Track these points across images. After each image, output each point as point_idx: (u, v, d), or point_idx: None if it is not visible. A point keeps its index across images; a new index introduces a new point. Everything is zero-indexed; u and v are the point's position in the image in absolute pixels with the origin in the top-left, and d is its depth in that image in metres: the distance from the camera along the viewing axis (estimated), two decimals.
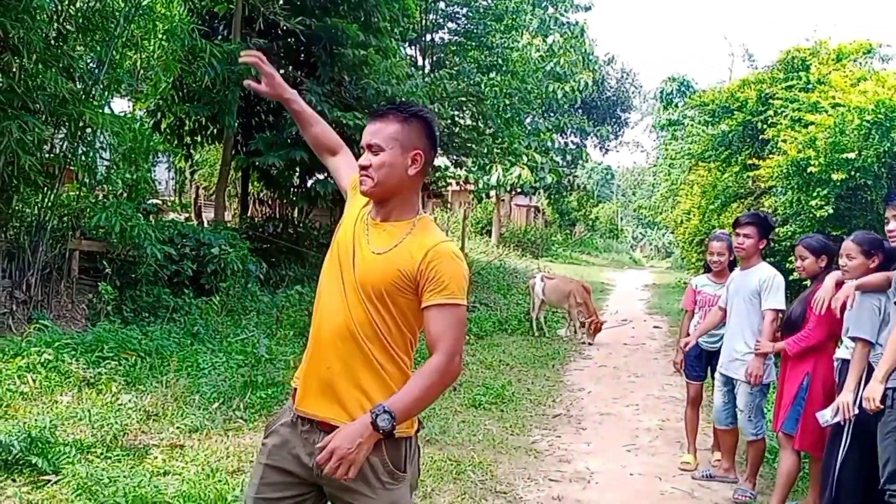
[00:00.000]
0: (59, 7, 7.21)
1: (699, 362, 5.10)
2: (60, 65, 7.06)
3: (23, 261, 7.08)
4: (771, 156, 7.57)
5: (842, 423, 3.53)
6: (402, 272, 1.99)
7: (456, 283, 2.00)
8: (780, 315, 4.44)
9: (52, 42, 7.17)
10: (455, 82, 12.77)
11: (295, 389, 2.11)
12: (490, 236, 27.93)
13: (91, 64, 7.79)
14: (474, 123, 15.05)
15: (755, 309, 4.45)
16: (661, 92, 27.13)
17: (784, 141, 7.08)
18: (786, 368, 4.25)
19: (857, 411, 3.46)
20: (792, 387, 4.14)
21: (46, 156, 7.43)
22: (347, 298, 2.03)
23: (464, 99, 13.78)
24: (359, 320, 2.01)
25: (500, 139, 15.64)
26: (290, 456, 2.05)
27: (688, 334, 5.16)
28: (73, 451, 4.11)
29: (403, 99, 10.16)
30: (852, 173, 6.28)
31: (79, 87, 7.26)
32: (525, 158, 19.58)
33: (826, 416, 3.60)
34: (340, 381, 2.01)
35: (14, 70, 6.74)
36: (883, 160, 6.21)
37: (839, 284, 3.82)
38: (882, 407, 3.25)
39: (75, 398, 5.18)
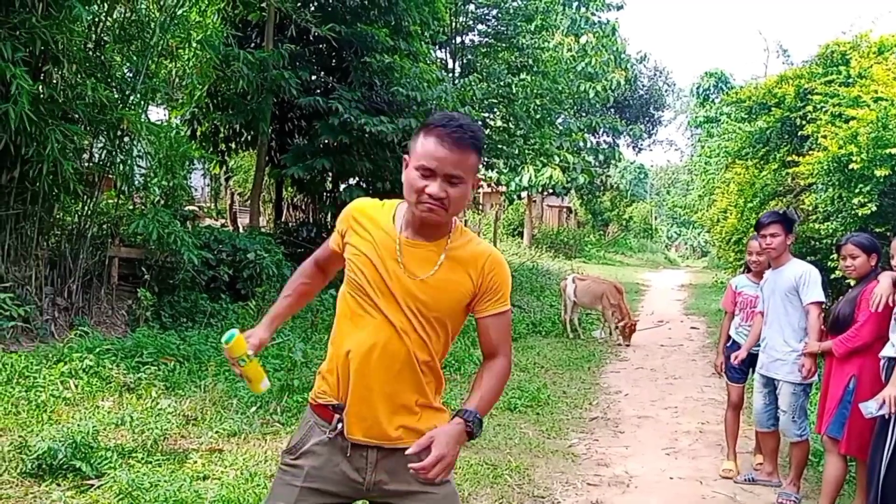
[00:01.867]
0: (97, 18, 7.36)
1: (742, 365, 4.99)
2: (99, 75, 7.21)
3: (64, 268, 7.23)
4: (811, 152, 7.39)
5: (887, 416, 3.44)
6: (462, 290, 2.01)
7: (508, 289, 2.08)
8: (823, 308, 4.36)
9: (91, 52, 7.32)
10: (485, 84, 12.74)
11: (324, 406, 2.03)
12: (522, 238, 27.83)
13: (128, 73, 7.93)
14: (505, 125, 15.00)
15: (793, 306, 4.40)
16: (698, 88, 26.73)
17: (824, 137, 6.92)
18: (830, 369, 4.15)
19: None
20: (837, 389, 4.03)
21: (86, 164, 7.59)
22: (395, 323, 1.96)
23: (494, 101, 13.75)
24: (415, 342, 1.98)
25: (531, 140, 15.56)
26: (334, 475, 2.01)
27: (728, 336, 5.08)
28: (114, 456, 4.18)
29: (433, 103, 10.18)
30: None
31: (116, 95, 7.40)
32: (557, 159, 19.48)
33: (871, 408, 3.52)
34: (392, 403, 1.99)
35: (55, 80, 6.90)
36: None
37: (895, 283, 3.72)
38: None
39: (116, 403, 5.27)
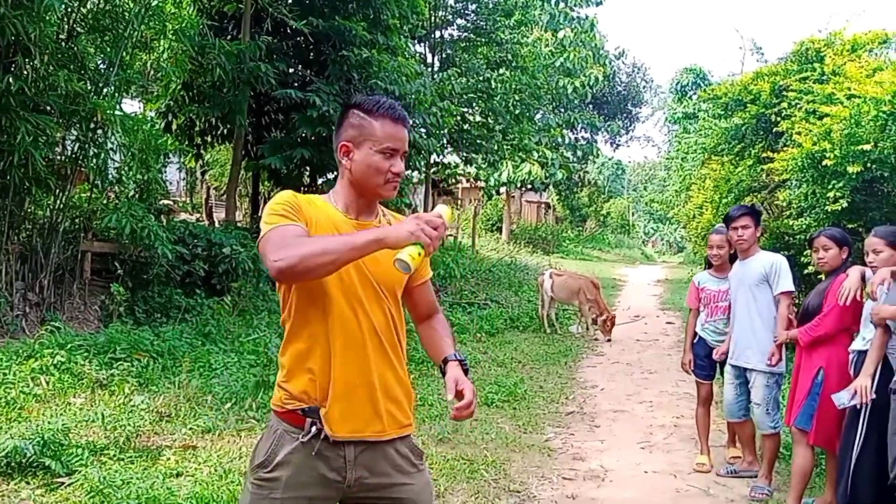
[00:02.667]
0: (70, 8, 7.23)
1: (708, 361, 5.03)
2: (71, 66, 7.08)
3: (35, 263, 7.11)
4: (785, 149, 7.46)
5: (858, 406, 3.50)
6: None
7: None
8: (794, 298, 4.42)
9: (63, 43, 7.19)
10: (464, 79, 12.73)
11: (293, 412, 1.96)
12: (501, 233, 27.89)
13: (102, 65, 7.81)
14: (484, 120, 15.01)
15: (762, 296, 4.49)
16: (677, 84, 26.90)
17: (799, 133, 6.98)
18: (800, 361, 4.21)
19: (874, 396, 3.45)
20: (806, 381, 4.10)
21: (58, 157, 7.47)
22: (366, 305, 1.96)
23: (473, 95, 13.75)
24: (380, 324, 1.99)
25: (509, 135, 15.60)
26: (313, 479, 1.96)
27: (695, 333, 5.10)
28: (86, 454, 4.13)
29: (412, 97, 10.16)
30: (868, 165, 6.18)
31: (89, 87, 7.28)
32: (535, 154, 19.53)
33: (842, 399, 3.58)
34: (376, 392, 1.99)
35: (26, 72, 6.76)
36: None
37: (863, 278, 3.78)
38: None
39: (88, 400, 5.20)
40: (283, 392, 1.98)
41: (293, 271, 1.78)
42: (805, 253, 7.01)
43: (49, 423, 4.28)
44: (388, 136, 1.98)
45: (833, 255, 4.09)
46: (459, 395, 2.01)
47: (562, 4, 25.57)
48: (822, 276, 4.44)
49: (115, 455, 4.28)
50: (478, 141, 14.84)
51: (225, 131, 11.40)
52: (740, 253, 4.65)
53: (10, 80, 6.39)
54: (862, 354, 3.68)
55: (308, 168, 11.27)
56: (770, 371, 4.47)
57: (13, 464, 3.91)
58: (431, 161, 14.84)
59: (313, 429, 1.93)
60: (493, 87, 13.76)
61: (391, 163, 1.99)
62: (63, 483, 3.85)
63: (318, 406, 1.94)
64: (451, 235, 22.32)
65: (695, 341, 5.11)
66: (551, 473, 4.79)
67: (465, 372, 2.12)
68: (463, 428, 5.49)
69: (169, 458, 4.36)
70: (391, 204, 11.25)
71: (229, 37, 10.44)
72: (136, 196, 8.26)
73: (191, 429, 4.89)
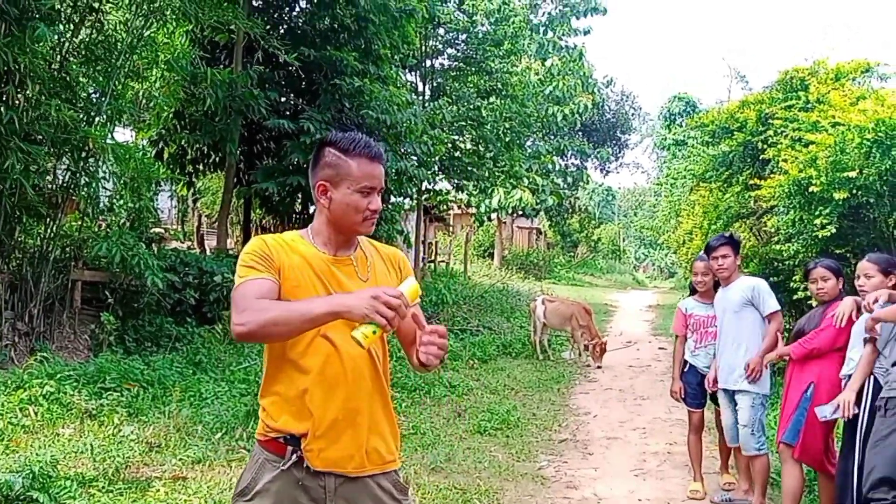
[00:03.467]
0: (62, 38, 7.27)
1: (699, 389, 5.03)
2: (63, 95, 7.11)
3: (25, 292, 7.07)
4: (772, 175, 7.55)
5: (844, 418, 3.55)
6: (393, 285, 2.04)
7: None
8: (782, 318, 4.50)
9: (55, 73, 7.22)
10: (455, 108, 12.84)
11: (275, 440, 1.97)
12: (492, 259, 27.92)
13: (94, 94, 7.84)
14: (475, 147, 15.11)
15: (744, 320, 4.57)
16: (666, 111, 27.22)
17: (785, 160, 7.08)
18: (791, 377, 4.24)
19: (857, 410, 3.48)
20: (795, 395, 4.13)
21: (49, 186, 7.46)
22: (346, 344, 1.93)
23: (463, 124, 13.86)
24: (364, 360, 1.99)
25: (500, 162, 15.70)
26: None
27: (684, 361, 5.11)
28: (74, 486, 4.08)
29: (403, 126, 10.24)
30: (854, 192, 6.26)
31: (81, 116, 7.30)
32: (526, 181, 19.65)
33: (825, 412, 3.62)
34: (360, 427, 1.99)
35: (17, 101, 6.78)
36: (885, 178, 6.18)
37: (858, 308, 3.83)
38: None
39: (77, 430, 5.14)
40: (268, 417, 2.01)
41: (252, 337, 1.86)
42: (794, 278, 7.07)
43: (37, 454, 4.23)
44: (365, 175, 2.00)
45: (832, 286, 4.17)
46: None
47: (550, 34, 25.95)
48: (814, 303, 4.49)
49: (104, 487, 4.23)
50: (469, 168, 14.93)
51: (217, 159, 11.43)
52: (722, 280, 4.73)
53: (2, 109, 6.41)
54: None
55: (300, 195, 11.31)
56: (755, 392, 4.49)
57: (0, 498, 3.85)
58: (423, 188, 14.90)
59: (294, 457, 1.94)
60: (484, 115, 13.88)
61: (369, 200, 2.01)
62: None
63: (299, 436, 1.95)
64: (442, 262, 22.37)
65: (685, 369, 5.11)
66: (545, 502, 4.76)
67: None
68: (455, 457, 5.46)
69: (158, 490, 4.31)
70: (383, 231, 11.29)
71: (221, 66, 10.52)
72: (128, 224, 8.25)
73: (181, 459, 4.84)
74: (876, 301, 3.54)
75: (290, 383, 1.96)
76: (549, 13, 26.67)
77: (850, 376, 3.75)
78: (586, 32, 27.18)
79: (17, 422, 5.07)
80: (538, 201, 21.84)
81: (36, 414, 5.24)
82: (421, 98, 15.27)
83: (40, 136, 6.93)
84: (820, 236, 6.50)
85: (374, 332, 1.76)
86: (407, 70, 15.38)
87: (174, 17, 8.03)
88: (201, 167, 11.71)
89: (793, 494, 4.09)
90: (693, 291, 5.24)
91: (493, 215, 23.88)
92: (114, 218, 8.19)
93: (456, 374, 8.64)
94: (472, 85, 15.89)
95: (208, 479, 4.56)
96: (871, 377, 3.60)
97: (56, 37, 7.02)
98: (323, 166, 2.03)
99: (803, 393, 4.06)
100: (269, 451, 1.99)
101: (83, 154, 7.31)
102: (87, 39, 7.56)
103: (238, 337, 1.86)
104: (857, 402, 3.58)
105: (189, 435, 5.31)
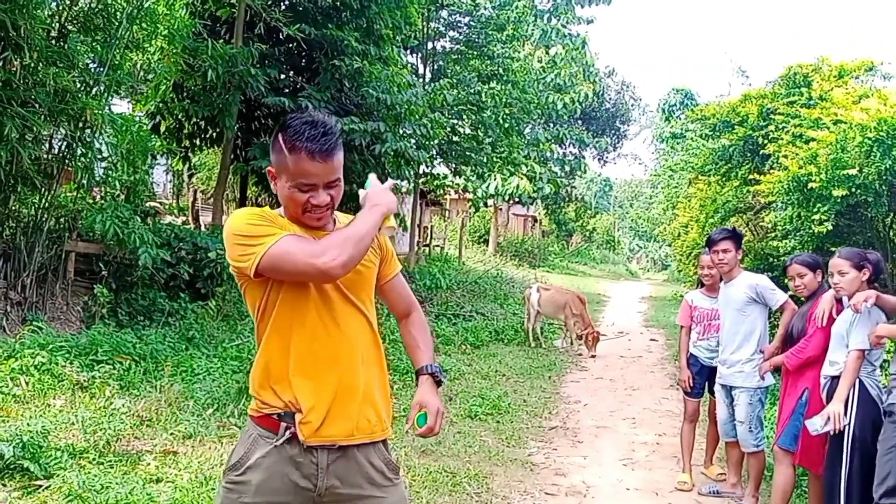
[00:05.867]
0: (61, 6, 7.18)
1: (700, 379, 5.08)
2: (61, 63, 7.03)
3: (18, 262, 7.03)
4: (771, 171, 7.55)
5: (832, 432, 3.53)
6: (375, 260, 2.12)
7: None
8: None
9: (54, 41, 7.14)
10: (455, 91, 12.75)
11: (268, 416, 1.96)
12: (487, 245, 27.93)
13: (92, 64, 7.75)
14: (473, 132, 15.04)
15: (746, 316, 4.57)
16: (665, 103, 27.15)
17: (785, 156, 7.08)
18: (787, 384, 4.24)
19: (846, 421, 3.48)
20: (791, 402, 4.13)
21: (45, 156, 7.39)
22: (340, 318, 1.97)
23: (463, 108, 13.78)
24: (357, 333, 2.02)
25: (499, 148, 15.63)
26: (284, 486, 1.95)
27: (688, 350, 5.15)
28: (65, 457, 4.08)
29: (403, 107, 10.17)
30: (853, 190, 6.27)
31: (79, 86, 7.22)
32: (524, 168, 19.59)
33: (816, 425, 3.61)
34: (353, 401, 1.99)
35: (15, 68, 6.71)
36: (884, 177, 6.19)
37: (839, 300, 3.84)
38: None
39: (68, 402, 5.14)
40: (258, 400, 2.00)
41: (352, 263, 1.87)
42: None
43: (28, 424, 4.22)
44: (300, 172, 1.88)
45: (809, 280, 4.18)
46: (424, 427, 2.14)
47: (554, 21, 25.79)
48: (803, 300, 4.50)
49: (94, 459, 4.23)
50: (467, 153, 14.86)
51: (214, 134, 11.34)
52: (724, 275, 4.72)
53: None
54: (834, 380, 3.71)
55: None
56: (753, 388, 4.52)
57: None
58: (421, 171, 14.84)
59: (287, 433, 1.94)
60: (484, 100, 13.79)
61: (310, 195, 1.91)
62: (41, 486, 3.79)
63: (294, 412, 1.94)
64: (437, 246, 22.34)
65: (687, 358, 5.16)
66: (533, 488, 4.78)
67: (438, 384, 2.21)
68: (446, 440, 5.47)
69: (149, 464, 4.31)
70: None
71: (222, 41, 10.42)
72: (123, 197, 8.19)
73: (172, 434, 4.84)
74: (865, 301, 3.54)
75: (284, 358, 1.96)
76: (555, 0, 26.51)
77: (832, 377, 3.76)
78: (590, 21, 27.04)
79: (8, 391, 5.05)
80: (535, 189, 21.79)
81: (27, 384, 5.22)
82: (421, 80, 15.17)
83: (37, 104, 6.85)
84: (817, 233, 6.51)
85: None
86: (408, 51, 15.27)
87: None
88: (198, 142, 11.62)
89: (783, 493, 4.13)
90: (700, 284, 5.26)
91: (490, 201, 23.84)
92: (109, 190, 8.12)
93: (448, 358, 8.66)
94: (473, 69, 15.78)
95: (199, 455, 4.56)
96: (857, 383, 3.60)
97: (55, 4, 6.93)
98: (273, 152, 1.94)
99: (798, 399, 4.07)
100: (262, 427, 1.98)
101: (80, 124, 7.24)
102: (87, 8, 7.47)
103: (341, 270, 1.85)
104: (845, 411, 3.58)
105: (180, 410, 5.31)
